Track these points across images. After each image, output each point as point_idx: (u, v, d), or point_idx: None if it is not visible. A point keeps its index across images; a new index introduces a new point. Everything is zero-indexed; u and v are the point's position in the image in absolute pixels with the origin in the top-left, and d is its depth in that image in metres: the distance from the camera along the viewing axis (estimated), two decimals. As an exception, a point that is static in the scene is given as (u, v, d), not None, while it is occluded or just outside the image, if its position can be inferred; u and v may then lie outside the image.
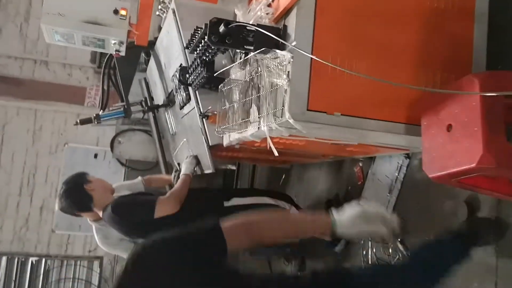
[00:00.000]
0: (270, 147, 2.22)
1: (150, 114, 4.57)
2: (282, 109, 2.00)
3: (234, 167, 6.31)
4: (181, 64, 3.13)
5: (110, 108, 4.02)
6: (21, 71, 6.64)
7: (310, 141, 2.52)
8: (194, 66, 2.71)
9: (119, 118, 4.21)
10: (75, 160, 6.61)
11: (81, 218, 3.37)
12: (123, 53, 3.12)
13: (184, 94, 3.18)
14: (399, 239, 2.85)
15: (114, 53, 3.07)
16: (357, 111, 2.04)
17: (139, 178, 3.60)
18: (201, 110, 2.96)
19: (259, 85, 2.30)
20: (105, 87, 4.00)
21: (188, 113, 3.30)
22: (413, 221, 2.79)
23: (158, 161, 6.07)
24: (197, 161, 3.29)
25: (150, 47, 4.08)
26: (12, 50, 6.57)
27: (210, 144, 3.03)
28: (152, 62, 4.19)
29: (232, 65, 2.59)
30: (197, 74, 2.72)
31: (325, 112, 1.99)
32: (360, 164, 3.40)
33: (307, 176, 4.28)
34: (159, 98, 4.16)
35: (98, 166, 6.69)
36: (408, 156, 2.88)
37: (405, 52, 2.12)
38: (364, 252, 3.16)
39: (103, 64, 4.00)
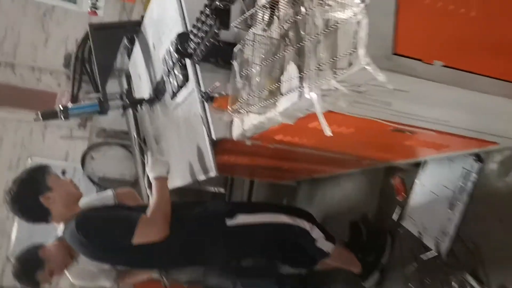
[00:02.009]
0: (320, 123, 1.47)
1: (130, 113, 3.80)
2: (351, 53, 1.26)
3: (222, 190, 5.56)
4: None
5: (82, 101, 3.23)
6: (-19, 74, 5.83)
7: (360, 127, 1.79)
8: (200, 24, 1.97)
9: (92, 115, 3.38)
10: (39, 176, 5.71)
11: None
12: (101, 13, 2.37)
13: (180, 75, 2.42)
14: (468, 271, 2.11)
15: (89, 10, 2.31)
16: (467, 62, 1.31)
17: (110, 192, 2.79)
18: (204, 90, 2.20)
19: (301, 34, 1.57)
20: (77, 75, 3.23)
21: (183, 101, 2.54)
22: (489, 245, 2.06)
23: (138, 179, 5.33)
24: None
25: (134, 31, 3.35)
26: (-27, 51, 5.80)
27: (215, 138, 2.26)
28: (136, 50, 3.44)
29: (251, 12, 1.85)
30: (202, 35, 1.98)
31: (420, 60, 1.26)
32: (400, 174, 2.67)
33: (321, 193, 3.52)
34: (144, 94, 3.40)
35: (66, 184, 5.79)
36: (479, 158, 2.16)
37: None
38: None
39: (76, 48, 3.24)
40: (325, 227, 2.60)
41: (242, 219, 2.42)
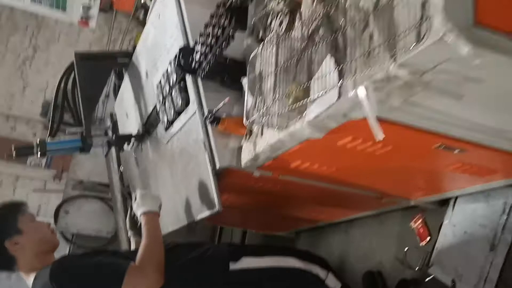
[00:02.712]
0: (371, 127, 1.18)
1: (113, 155, 3.47)
2: (421, 24, 1.01)
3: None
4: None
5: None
6: None
7: (400, 144, 1.52)
8: (210, 29, 1.71)
9: (73, 152, 3.03)
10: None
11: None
12: (93, 23, 2.12)
13: (179, 99, 2.15)
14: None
15: (78, 20, 2.04)
16: None
17: None
18: (209, 111, 1.91)
19: (335, 26, 1.33)
20: (58, 104, 2.92)
21: (180, 129, 2.25)
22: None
23: (116, 234, 4.91)
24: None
25: (124, 64, 3.10)
26: None
27: (219, 167, 1.96)
28: (125, 85, 3.18)
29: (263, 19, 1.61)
30: (211, 44, 1.72)
31: (507, 32, 1.01)
32: (420, 216, 2.38)
33: (325, 243, 3.18)
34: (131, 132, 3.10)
35: (36, 240, 5.32)
36: (521, 190, 1.89)
37: None
38: None
39: (60, 77, 2.95)
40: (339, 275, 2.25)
41: (247, 262, 2.06)
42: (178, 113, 2.23)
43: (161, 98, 2.40)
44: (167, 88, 2.29)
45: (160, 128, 2.56)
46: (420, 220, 2.36)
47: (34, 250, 1.96)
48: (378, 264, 2.61)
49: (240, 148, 1.96)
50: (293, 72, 1.53)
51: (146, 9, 6.06)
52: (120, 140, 2.90)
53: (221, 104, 1.82)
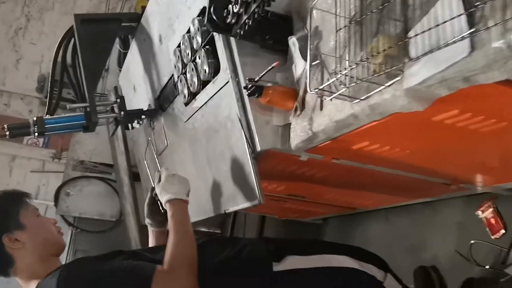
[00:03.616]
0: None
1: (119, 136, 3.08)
2: None
3: (218, 231, 4.85)
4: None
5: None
6: None
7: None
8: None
9: (75, 131, 2.61)
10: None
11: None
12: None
13: (206, 66, 1.74)
14: None
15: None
16: None
17: None
18: (249, 79, 1.52)
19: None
20: (57, 78, 2.52)
21: (207, 102, 1.85)
22: None
23: (123, 217, 4.57)
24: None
25: (130, 28, 2.69)
26: None
27: (259, 149, 1.57)
28: (132, 54, 2.78)
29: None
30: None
31: None
32: (491, 204, 2.01)
33: (360, 232, 2.82)
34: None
35: (35, 225, 4.97)
36: None
37: None
38: None
39: (57, 44, 2.54)
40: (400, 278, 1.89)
41: (292, 262, 1.68)
42: (203, 84, 1.84)
43: (180, 66, 2.00)
44: (188, 53, 1.89)
45: (178, 102, 2.17)
46: (490, 209, 2.00)
47: (36, 251, 1.58)
48: (432, 259, 2.25)
49: (285, 126, 1.58)
50: (374, 23, 1.13)
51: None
52: (129, 117, 2.49)
53: (268, 69, 1.42)
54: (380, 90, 1.07)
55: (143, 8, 2.51)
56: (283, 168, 1.80)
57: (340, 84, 1.13)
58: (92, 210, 4.90)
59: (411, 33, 1.01)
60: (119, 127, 2.82)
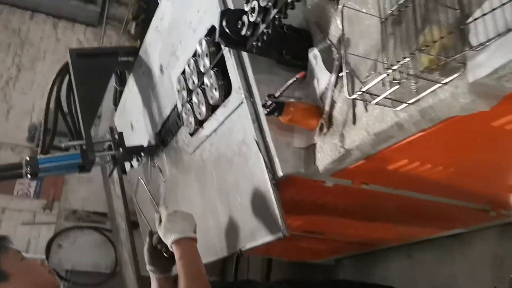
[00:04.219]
0: None
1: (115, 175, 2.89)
2: None
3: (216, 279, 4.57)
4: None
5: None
6: None
7: None
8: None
9: (71, 172, 2.39)
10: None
11: None
12: None
13: (216, 87, 1.59)
14: None
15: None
16: None
17: None
18: (268, 96, 1.36)
19: None
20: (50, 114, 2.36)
21: (217, 128, 1.68)
22: None
23: (119, 268, 4.32)
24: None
25: (127, 63, 2.56)
26: None
27: (281, 174, 1.40)
28: (129, 90, 2.63)
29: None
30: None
31: None
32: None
33: (381, 272, 2.61)
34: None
35: (26, 280, 4.68)
36: None
37: None
38: None
39: (52, 80, 2.40)
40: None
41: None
42: (212, 109, 1.68)
43: (184, 94, 1.85)
44: (194, 78, 1.74)
45: (182, 134, 2.01)
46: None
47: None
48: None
49: (308, 148, 1.41)
50: (419, 14, 0.99)
51: (137, 22, 5.63)
52: (129, 154, 2.32)
53: (289, 82, 1.27)
54: (434, 90, 0.92)
55: (141, 41, 2.38)
56: (303, 197, 1.62)
57: (384, 86, 0.97)
58: (85, 262, 4.67)
59: (469, 20, 0.86)
60: (116, 168, 2.64)
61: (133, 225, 3.73)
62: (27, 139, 5.30)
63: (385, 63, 0.98)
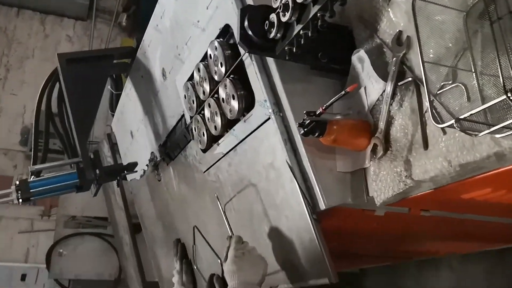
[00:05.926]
0: None
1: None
2: None
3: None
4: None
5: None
6: None
7: None
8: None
9: (67, 193, 2.11)
10: (-7, 286, 4.58)
11: None
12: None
13: (234, 98, 1.32)
14: None
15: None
16: None
17: None
18: (295, 116, 1.09)
19: None
20: (41, 128, 2.09)
21: (236, 146, 1.42)
22: None
23: (123, 276, 4.10)
24: None
25: (124, 66, 2.28)
26: None
27: (324, 207, 1.14)
28: (126, 95, 2.36)
29: None
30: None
31: None
32: None
33: (412, 284, 2.37)
34: (140, 157, 2.28)
35: (27, 293, 4.58)
36: None
37: None
38: None
39: (39, 92, 2.11)
40: None
41: None
42: (229, 123, 1.41)
43: (194, 104, 1.57)
44: (206, 86, 1.47)
45: (193, 149, 1.74)
46: None
47: None
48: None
49: (355, 173, 1.15)
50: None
51: (128, 14, 5.33)
52: (129, 168, 2.05)
53: (336, 97, 1.00)
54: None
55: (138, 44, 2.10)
56: (343, 225, 1.36)
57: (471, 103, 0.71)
58: (88, 270, 4.47)
59: None
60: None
61: (135, 228, 3.51)
62: (20, 142, 5.08)
63: (486, 74, 0.72)
